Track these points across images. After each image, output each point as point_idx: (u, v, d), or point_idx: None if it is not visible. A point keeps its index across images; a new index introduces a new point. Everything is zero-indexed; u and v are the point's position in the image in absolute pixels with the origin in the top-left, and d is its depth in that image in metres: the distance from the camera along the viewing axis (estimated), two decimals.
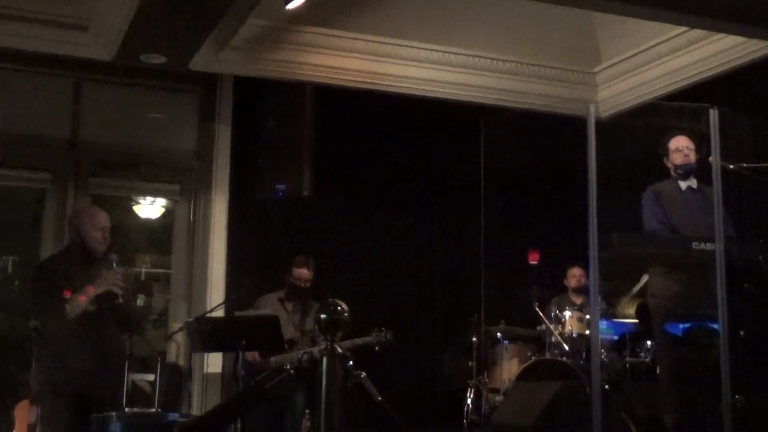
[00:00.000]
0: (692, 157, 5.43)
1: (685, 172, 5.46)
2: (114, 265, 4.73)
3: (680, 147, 5.46)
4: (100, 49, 6.84)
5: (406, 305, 8.07)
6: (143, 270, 8.00)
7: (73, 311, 4.66)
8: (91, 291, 4.65)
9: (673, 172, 5.52)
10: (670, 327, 5.27)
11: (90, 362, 4.71)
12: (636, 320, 6.82)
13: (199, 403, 7.13)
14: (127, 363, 5.32)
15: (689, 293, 5.11)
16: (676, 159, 5.48)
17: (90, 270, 4.78)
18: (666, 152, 5.53)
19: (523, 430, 5.58)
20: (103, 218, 5.03)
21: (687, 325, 5.22)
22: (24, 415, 5.76)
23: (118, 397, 4.86)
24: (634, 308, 6.72)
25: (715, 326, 4.60)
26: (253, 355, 5.94)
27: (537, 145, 7.97)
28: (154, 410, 5.84)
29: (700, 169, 5.37)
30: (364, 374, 2.95)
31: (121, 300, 4.68)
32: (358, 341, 5.92)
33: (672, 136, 5.51)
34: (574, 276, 7.50)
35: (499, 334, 7.19)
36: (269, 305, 6.22)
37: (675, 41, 7.46)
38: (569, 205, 7.42)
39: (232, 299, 6.38)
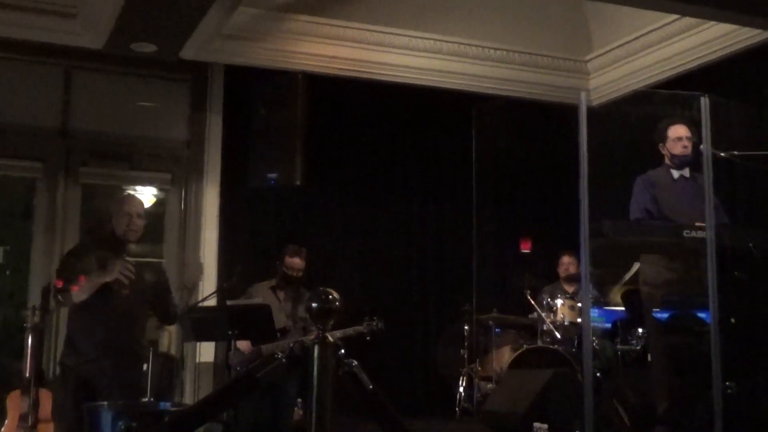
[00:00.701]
0: (690, 149, 5.37)
1: (681, 162, 5.41)
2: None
3: (681, 136, 5.36)
4: (90, 38, 6.81)
5: (399, 294, 8.07)
6: (135, 260, 7.95)
7: (66, 301, 4.65)
8: (83, 281, 4.61)
9: (667, 160, 5.46)
10: (658, 314, 5.28)
11: (94, 350, 4.69)
12: (625, 308, 6.83)
13: (191, 392, 7.12)
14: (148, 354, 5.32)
15: (681, 281, 5.11)
16: (675, 148, 5.39)
17: (111, 258, 4.74)
18: (663, 139, 5.43)
19: (515, 418, 5.59)
20: (131, 204, 4.91)
21: (671, 313, 5.23)
22: (16, 404, 5.75)
23: (132, 387, 4.82)
24: (622, 295, 6.74)
25: (702, 314, 4.61)
26: (246, 345, 5.93)
27: (529, 133, 7.97)
28: (146, 399, 5.83)
29: (695, 159, 5.35)
30: (355, 363, 2.94)
31: (127, 291, 4.65)
32: (350, 331, 5.92)
33: (671, 124, 5.41)
34: (563, 264, 7.51)
35: (491, 322, 7.20)
36: (261, 294, 6.21)
37: (666, 29, 7.46)
38: (561, 193, 7.41)
39: (224, 288, 6.36)
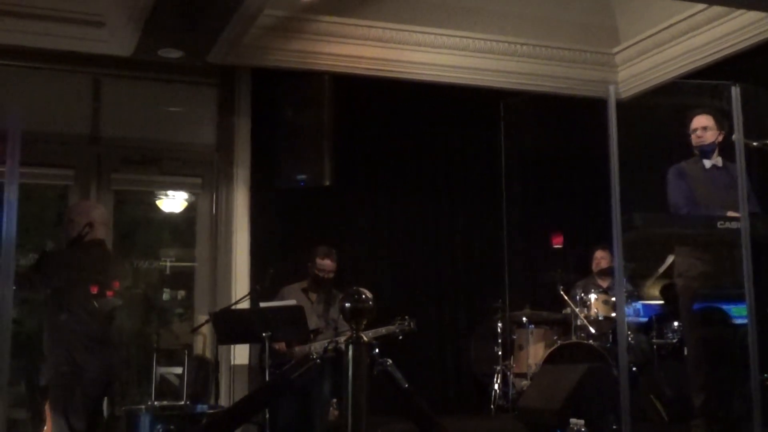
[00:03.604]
0: (707, 138, 5.38)
1: (701, 152, 5.42)
2: None
3: (695, 128, 5.43)
4: (118, 45, 6.88)
5: (430, 292, 8.08)
6: (168, 264, 8.05)
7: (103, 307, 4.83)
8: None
9: (695, 151, 5.49)
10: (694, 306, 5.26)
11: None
12: (662, 301, 6.80)
13: (226, 394, 7.17)
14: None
15: (715, 272, 5.08)
16: (693, 140, 5.45)
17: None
18: (688, 131, 5.49)
19: (551, 414, 5.58)
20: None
21: (698, 306, 5.21)
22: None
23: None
24: (660, 289, 6.70)
25: (736, 306, 4.57)
26: (280, 345, 5.97)
27: (558, 128, 7.93)
28: (182, 402, 5.88)
29: (723, 148, 5.32)
30: (390, 361, 2.95)
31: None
32: (382, 330, 5.94)
33: (693, 115, 5.47)
34: (596, 259, 7.48)
35: (524, 318, 7.18)
36: (293, 295, 6.24)
37: (694, 19, 7.40)
38: (592, 187, 7.36)
39: (256, 290, 6.41)
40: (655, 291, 6.89)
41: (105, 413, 5.07)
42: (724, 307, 5.26)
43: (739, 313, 4.86)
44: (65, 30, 6.80)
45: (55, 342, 4.88)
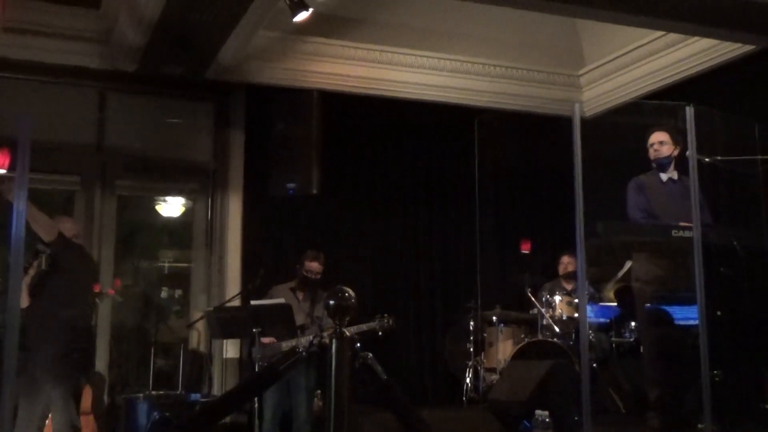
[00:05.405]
0: (663, 151, 5.39)
1: (658, 165, 5.44)
2: None
3: (653, 142, 5.45)
4: (122, 62, 6.86)
5: (409, 293, 8.08)
6: (166, 264, 8.02)
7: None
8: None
9: (653, 165, 5.51)
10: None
11: None
12: (617, 303, 6.83)
13: (219, 385, 7.15)
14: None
15: (671, 277, 5.11)
16: (650, 154, 5.48)
17: None
18: (647, 146, 5.52)
19: (518, 405, 5.59)
20: None
21: (649, 308, 5.24)
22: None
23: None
24: (614, 292, 6.74)
25: (689, 308, 4.61)
26: (270, 340, 5.95)
27: (527, 143, 7.96)
28: (177, 392, 5.85)
29: (678, 162, 5.35)
30: (370, 355, 2.95)
31: None
32: (363, 327, 5.93)
33: (651, 132, 5.50)
34: (563, 263, 7.50)
35: (494, 317, 7.19)
36: (282, 294, 6.22)
37: (653, 44, 7.46)
38: (558, 198, 7.43)
39: (247, 289, 6.39)
40: (613, 294, 6.92)
41: (106, 401, 5.06)
42: (677, 309, 5.29)
43: (691, 314, 4.88)
44: (73, 47, 6.79)
45: (53, 331, 4.87)
